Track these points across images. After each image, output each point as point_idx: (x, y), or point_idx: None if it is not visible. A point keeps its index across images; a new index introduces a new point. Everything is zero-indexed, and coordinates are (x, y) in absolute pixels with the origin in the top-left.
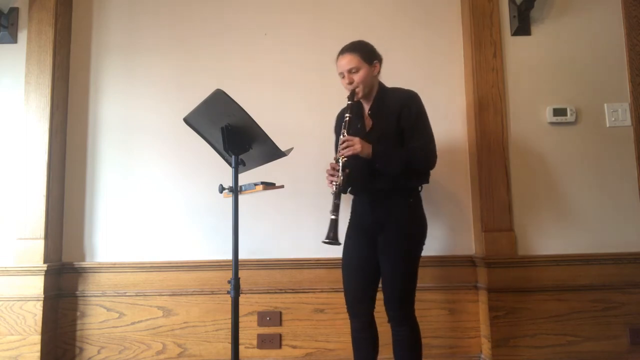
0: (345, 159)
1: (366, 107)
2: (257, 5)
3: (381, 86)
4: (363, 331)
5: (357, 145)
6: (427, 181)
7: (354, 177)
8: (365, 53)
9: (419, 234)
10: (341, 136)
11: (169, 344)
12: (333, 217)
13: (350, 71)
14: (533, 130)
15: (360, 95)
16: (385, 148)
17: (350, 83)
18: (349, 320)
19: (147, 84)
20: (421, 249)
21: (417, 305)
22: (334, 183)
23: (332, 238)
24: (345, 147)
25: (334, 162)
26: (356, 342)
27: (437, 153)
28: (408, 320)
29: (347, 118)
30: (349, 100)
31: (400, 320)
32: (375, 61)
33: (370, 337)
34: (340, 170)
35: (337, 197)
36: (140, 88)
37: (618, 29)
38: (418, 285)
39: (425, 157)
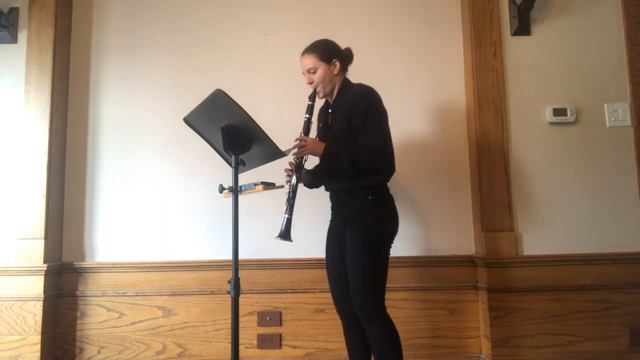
0: (299, 159)
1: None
2: (257, 5)
3: (344, 83)
4: (350, 330)
5: (308, 145)
6: (386, 179)
7: (319, 177)
8: (323, 52)
9: (381, 233)
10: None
11: (169, 344)
12: (287, 215)
13: (309, 71)
14: (533, 130)
15: (321, 94)
16: (335, 147)
17: (311, 83)
18: None
19: (147, 84)
20: (385, 247)
21: (417, 305)
22: (289, 183)
23: (282, 235)
24: (299, 148)
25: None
26: (346, 339)
27: (436, 153)
28: (377, 319)
29: (306, 119)
30: (309, 101)
31: (368, 321)
32: (334, 59)
33: (358, 335)
34: (294, 171)
35: (290, 197)
36: (140, 88)
37: (618, 29)
38: (418, 285)
39: (373, 156)
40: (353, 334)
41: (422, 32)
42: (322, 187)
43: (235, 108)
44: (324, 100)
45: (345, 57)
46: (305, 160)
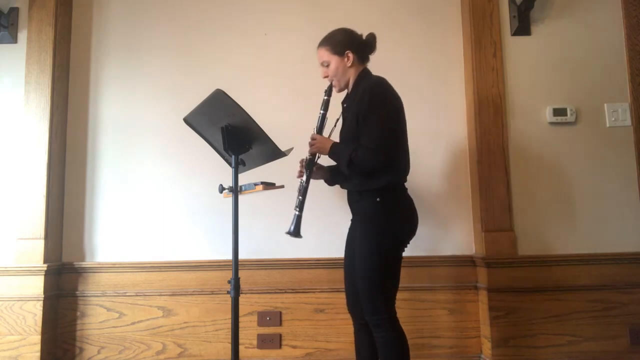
0: (310, 156)
1: None
2: (257, 5)
3: (361, 75)
4: (360, 333)
5: (316, 142)
6: (398, 180)
7: (336, 175)
8: (335, 44)
9: (390, 236)
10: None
11: (169, 344)
12: (296, 212)
13: (323, 64)
14: (533, 130)
15: (337, 88)
16: (338, 146)
17: (326, 76)
18: (348, 320)
19: (147, 84)
20: (394, 251)
21: (417, 305)
22: (301, 180)
23: (292, 232)
24: (310, 145)
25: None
26: (355, 342)
27: (436, 153)
28: (384, 324)
29: (320, 114)
30: (325, 95)
31: (375, 325)
32: (347, 51)
33: (368, 339)
34: (305, 169)
35: (301, 193)
36: (140, 88)
37: (618, 29)
38: (418, 284)
39: (365, 156)
40: (363, 337)
41: (422, 32)
42: (322, 186)
43: (235, 108)
44: (344, 93)
45: (362, 47)
46: (318, 157)
